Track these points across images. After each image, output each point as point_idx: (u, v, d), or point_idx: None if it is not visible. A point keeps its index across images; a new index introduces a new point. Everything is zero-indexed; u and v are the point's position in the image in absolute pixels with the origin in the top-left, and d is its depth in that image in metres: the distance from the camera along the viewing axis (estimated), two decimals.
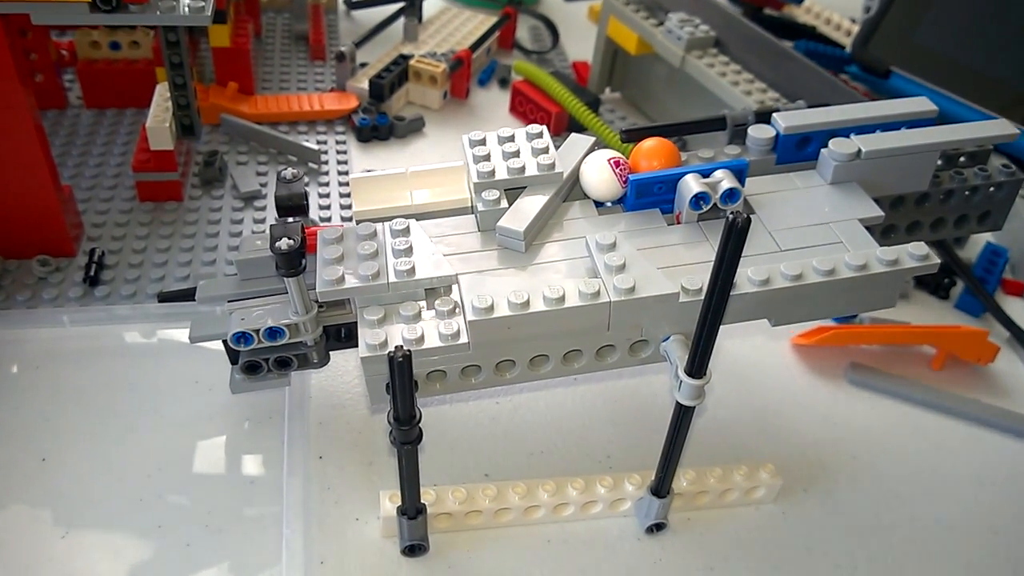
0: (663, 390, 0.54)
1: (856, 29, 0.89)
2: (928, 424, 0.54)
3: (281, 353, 0.45)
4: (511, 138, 0.46)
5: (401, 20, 0.84)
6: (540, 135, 0.46)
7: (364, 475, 0.47)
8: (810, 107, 0.51)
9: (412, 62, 0.76)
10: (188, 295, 0.51)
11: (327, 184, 0.67)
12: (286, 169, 0.45)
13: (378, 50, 0.82)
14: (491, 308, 0.37)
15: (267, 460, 0.47)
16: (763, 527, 0.47)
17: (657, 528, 0.46)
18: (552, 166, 0.44)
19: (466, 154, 0.45)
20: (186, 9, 0.49)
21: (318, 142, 0.72)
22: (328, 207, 0.65)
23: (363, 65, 0.78)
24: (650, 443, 0.50)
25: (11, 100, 0.50)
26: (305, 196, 0.45)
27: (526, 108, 0.77)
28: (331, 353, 0.47)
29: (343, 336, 0.46)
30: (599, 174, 0.44)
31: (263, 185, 0.66)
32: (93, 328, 0.53)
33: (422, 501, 0.42)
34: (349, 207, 0.64)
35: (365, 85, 0.74)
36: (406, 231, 0.42)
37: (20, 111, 0.51)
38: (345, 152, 0.71)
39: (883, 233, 0.49)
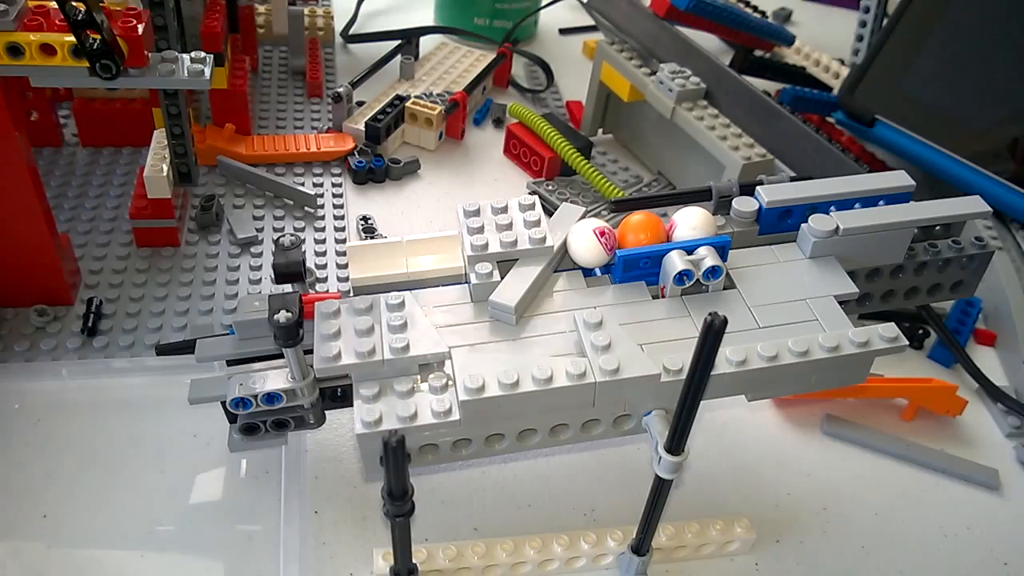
0: (646, 446, 0.55)
1: (844, 71, 0.91)
2: (896, 475, 0.56)
3: (279, 415, 0.47)
4: (504, 209, 0.48)
5: (398, 58, 0.85)
6: (532, 207, 0.48)
7: (358, 530, 0.49)
8: (793, 178, 0.53)
9: (408, 104, 0.77)
10: (186, 348, 0.53)
11: (323, 229, 0.69)
12: (284, 236, 0.47)
13: (375, 87, 0.83)
14: (482, 388, 0.39)
15: (264, 514, 0.49)
16: None
17: None
18: (543, 240, 0.46)
19: (460, 224, 0.47)
20: (185, 72, 0.51)
21: (314, 184, 0.73)
22: (324, 253, 0.66)
23: (360, 103, 0.80)
24: (633, 496, 0.52)
25: (8, 156, 0.51)
26: (303, 263, 0.46)
27: (520, 151, 0.78)
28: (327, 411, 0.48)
29: (339, 396, 0.48)
30: (585, 243, 0.46)
31: (259, 230, 0.67)
32: (92, 381, 0.54)
33: (414, 561, 0.44)
34: (345, 254, 0.66)
35: (361, 126, 0.76)
36: (401, 305, 0.44)
37: (17, 167, 0.52)
38: (341, 195, 0.72)
39: (859, 302, 0.51)
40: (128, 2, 0.57)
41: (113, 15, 0.49)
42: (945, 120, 0.77)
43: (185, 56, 0.52)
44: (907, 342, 0.42)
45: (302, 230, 0.68)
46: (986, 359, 0.66)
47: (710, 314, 0.33)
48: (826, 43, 1.02)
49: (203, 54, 0.52)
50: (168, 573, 0.45)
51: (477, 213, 0.48)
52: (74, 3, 0.45)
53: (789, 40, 0.94)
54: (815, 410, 0.60)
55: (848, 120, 0.81)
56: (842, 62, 0.93)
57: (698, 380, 0.35)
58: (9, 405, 0.52)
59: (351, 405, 0.42)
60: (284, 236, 0.47)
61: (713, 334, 0.34)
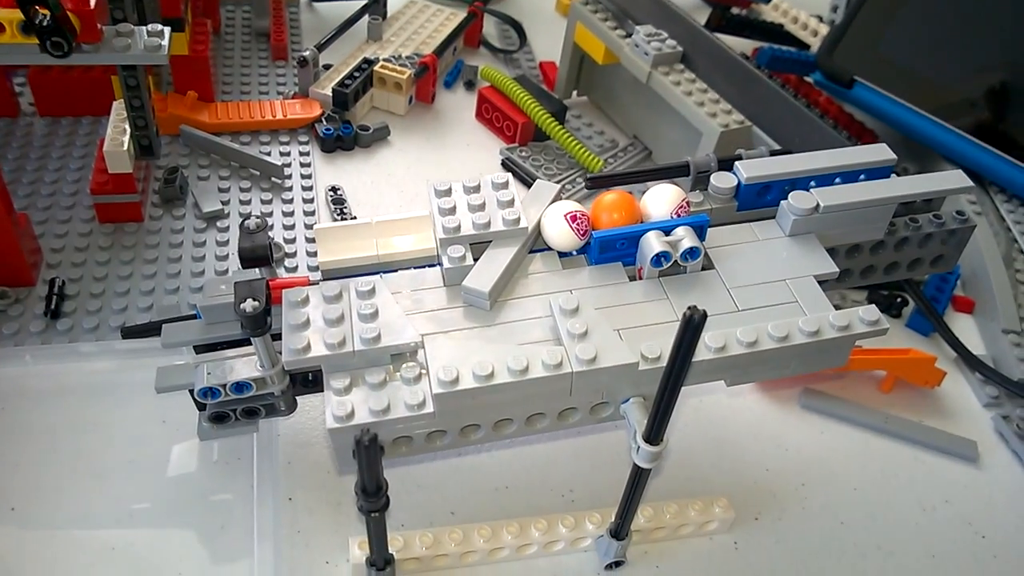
0: (624, 428, 0.55)
1: (823, 29, 0.89)
2: (874, 448, 0.57)
3: (248, 404, 0.45)
4: (476, 188, 0.46)
5: (365, 18, 0.82)
6: (505, 185, 0.46)
7: (333, 516, 0.48)
8: (772, 152, 0.52)
9: (377, 68, 0.75)
10: (152, 330, 0.51)
11: (291, 201, 0.67)
12: (249, 218, 0.45)
13: (343, 49, 0.80)
14: (456, 380, 0.38)
15: (237, 502, 0.48)
16: (716, 557, 0.49)
17: (616, 565, 0.48)
18: (517, 220, 0.44)
19: (432, 205, 0.46)
20: (142, 46, 0.48)
21: (281, 153, 0.71)
22: (292, 226, 0.65)
23: (327, 67, 0.77)
24: (611, 476, 0.52)
25: None
26: (270, 247, 0.44)
27: (492, 116, 0.76)
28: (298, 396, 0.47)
29: (310, 382, 0.47)
30: (557, 229, 0.45)
31: (225, 203, 0.65)
32: (56, 365, 0.52)
33: (390, 549, 0.43)
34: (312, 227, 0.64)
35: (328, 91, 0.73)
36: (371, 292, 0.42)
37: None
38: (309, 164, 0.70)
39: (839, 278, 0.50)
40: None
41: None
42: (924, 82, 0.76)
43: (142, 29, 0.50)
44: (887, 326, 0.42)
45: (269, 202, 0.66)
46: (965, 327, 0.66)
47: (689, 308, 0.32)
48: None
49: (160, 27, 0.50)
50: (140, 563, 0.45)
51: (448, 193, 0.46)
52: None
53: None
54: (792, 382, 0.59)
55: (826, 81, 0.80)
56: (820, 19, 0.92)
57: (677, 371, 0.35)
58: None
59: (323, 390, 0.41)
60: (250, 219, 0.45)
61: (692, 329, 0.33)
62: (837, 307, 0.43)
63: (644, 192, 0.46)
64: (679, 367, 0.34)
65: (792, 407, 0.58)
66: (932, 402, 0.60)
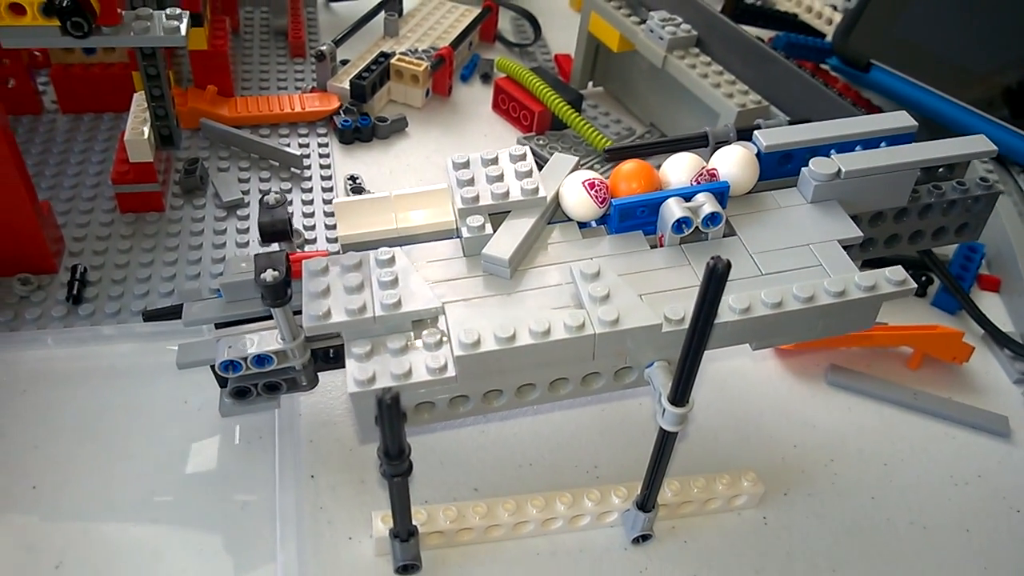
0: (648, 400, 0.55)
1: (837, 18, 0.89)
2: (903, 424, 0.56)
3: (270, 378, 0.45)
4: (495, 160, 0.46)
5: (381, 15, 0.83)
6: (523, 157, 0.46)
7: (356, 493, 0.48)
8: (791, 122, 0.51)
9: (393, 61, 0.75)
10: (174, 313, 0.51)
11: (310, 190, 0.67)
12: (269, 193, 0.45)
13: (359, 45, 0.81)
14: (478, 343, 0.38)
15: (259, 480, 0.48)
16: (745, 533, 0.49)
17: (643, 539, 0.47)
18: (536, 190, 0.44)
19: (450, 178, 0.46)
20: (161, 30, 0.49)
21: (300, 145, 0.71)
22: (312, 214, 0.65)
23: (344, 62, 0.77)
24: (637, 452, 0.51)
25: None
26: (289, 221, 0.45)
27: (509, 106, 0.76)
28: (320, 373, 0.47)
29: (331, 357, 0.47)
30: (576, 197, 0.44)
31: (245, 193, 0.65)
32: (79, 349, 0.53)
33: (414, 523, 0.43)
34: (333, 215, 0.64)
35: (346, 85, 0.73)
36: (391, 260, 0.42)
37: None
38: (328, 155, 0.70)
39: (862, 246, 0.49)
40: None
41: None
42: (942, 63, 0.76)
43: (160, 13, 0.50)
44: (915, 284, 0.41)
45: (289, 191, 0.67)
46: (991, 305, 0.65)
47: (712, 258, 0.32)
48: None
49: (178, 10, 0.50)
50: (162, 542, 0.44)
51: (467, 165, 0.46)
52: None
53: None
54: (818, 360, 0.59)
55: (843, 66, 0.79)
56: (835, 8, 0.91)
57: (701, 328, 0.34)
58: None
59: (344, 366, 0.41)
60: (269, 194, 0.45)
61: (716, 279, 0.32)
62: None
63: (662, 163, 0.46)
64: (704, 320, 0.34)
65: (819, 384, 0.57)
66: (960, 379, 0.59)
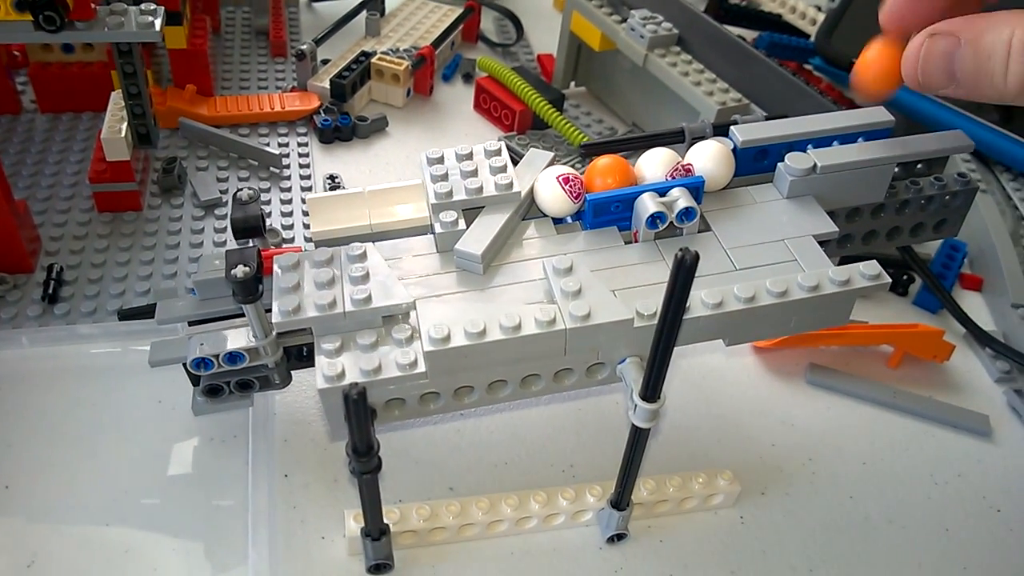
0: (623, 399, 0.54)
1: (821, 18, 0.89)
2: (883, 423, 0.55)
3: (242, 376, 0.45)
4: (469, 155, 0.46)
5: (363, 15, 0.83)
6: (498, 152, 0.46)
7: (329, 492, 0.47)
8: (768, 118, 0.51)
9: (374, 60, 0.75)
10: (149, 312, 0.51)
11: (289, 189, 0.67)
12: (242, 190, 0.44)
13: (340, 45, 0.80)
14: (448, 338, 0.37)
15: (233, 479, 0.47)
16: (721, 532, 0.48)
17: (618, 538, 0.47)
18: (510, 185, 0.44)
19: (424, 173, 0.45)
20: (135, 25, 0.48)
21: (279, 144, 0.71)
22: (291, 213, 0.64)
23: (325, 62, 0.77)
24: (612, 451, 0.51)
25: None
26: (262, 218, 0.44)
27: (490, 105, 0.76)
28: (293, 372, 0.47)
29: (304, 356, 0.46)
30: (550, 192, 0.44)
31: (223, 192, 0.65)
32: (53, 348, 0.52)
33: (386, 521, 0.43)
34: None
35: (327, 84, 0.73)
36: (363, 256, 0.42)
37: None
38: (307, 155, 0.70)
39: (839, 243, 0.49)
40: None
41: None
42: None
43: (135, 8, 0.50)
44: (890, 279, 0.41)
45: (268, 190, 0.66)
46: (973, 304, 0.65)
47: (681, 250, 0.31)
48: None
49: (153, 5, 0.50)
50: (136, 541, 0.44)
51: (441, 160, 0.46)
52: None
53: None
54: (797, 358, 0.58)
55: (826, 66, 0.79)
56: (819, 8, 0.91)
57: (671, 321, 0.34)
58: None
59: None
60: (242, 191, 0.44)
61: (685, 271, 0.32)
62: None
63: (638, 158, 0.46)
64: (674, 313, 0.34)
65: (798, 383, 0.57)
66: (941, 377, 0.59)
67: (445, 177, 0.44)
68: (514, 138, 0.73)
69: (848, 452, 0.53)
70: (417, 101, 0.79)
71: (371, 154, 0.72)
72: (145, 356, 0.46)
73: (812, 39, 0.85)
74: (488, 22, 0.93)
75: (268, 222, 0.63)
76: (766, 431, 0.54)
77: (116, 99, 0.62)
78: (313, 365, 0.46)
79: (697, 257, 0.32)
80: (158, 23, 0.49)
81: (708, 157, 0.45)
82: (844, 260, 0.53)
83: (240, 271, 0.39)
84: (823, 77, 0.83)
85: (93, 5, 0.48)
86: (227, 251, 0.40)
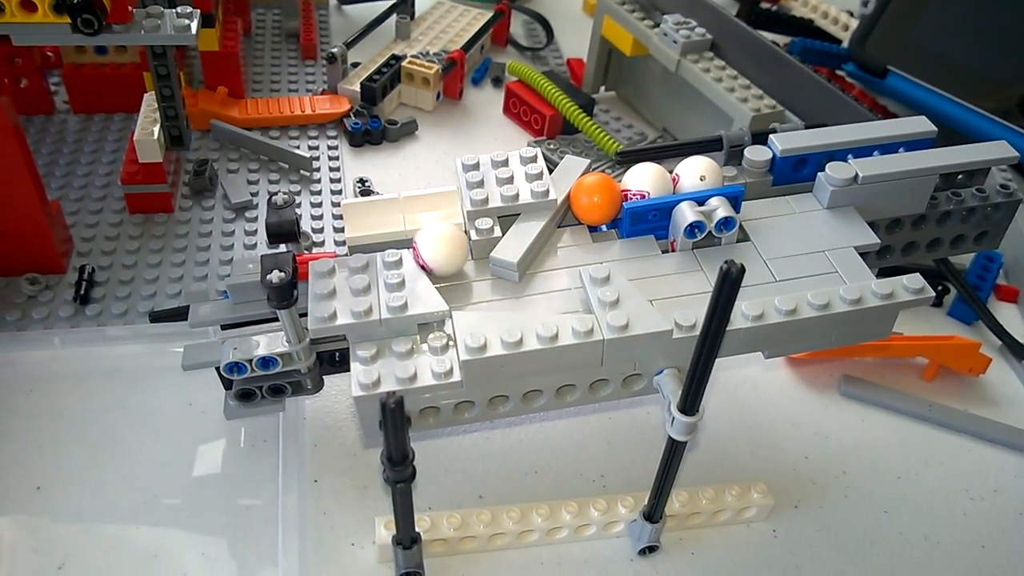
0: (657, 409, 0.54)
1: (853, 23, 0.88)
2: (918, 437, 0.55)
3: (275, 381, 0.45)
4: (504, 162, 0.46)
5: (393, 18, 0.83)
6: (534, 159, 0.46)
7: (359, 499, 0.47)
8: (807, 126, 0.50)
9: (404, 64, 0.75)
10: (180, 314, 0.51)
11: (319, 192, 0.67)
12: (276, 194, 0.45)
13: (370, 48, 0.80)
14: (484, 347, 0.37)
15: (263, 484, 0.47)
16: (754, 546, 0.48)
17: (649, 550, 0.46)
18: (546, 193, 0.44)
19: (459, 179, 0.45)
20: (171, 28, 0.48)
21: (310, 147, 0.71)
22: (320, 216, 0.64)
23: (355, 65, 0.77)
24: (644, 462, 0.50)
25: None
26: (297, 222, 0.44)
27: (520, 110, 0.76)
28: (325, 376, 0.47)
29: (337, 361, 0.46)
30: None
31: (254, 195, 0.65)
32: (84, 349, 0.52)
33: (417, 529, 0.42)
34: (342, 217, 0.64)
35: (357, 87, 0.73)
36: (398, 263, 0.42)
37: (3, 132, 0.50)
38: (337, 158, 0.70)
39: (879, 254, 0.48)
40: None
41: None
42: (961, 70, 0.75)
43: (171, 11, 0.50)
44: (933, 293, 0.40)
45: (298, 193, 0.66)
46: (1009, 316, 0.64)
47: (726, 262, 0.31)
48: None
49: (189, 8, 0.50)
50: (165, 544, 0.44)
51: (476, 167, 0.46)
52: None
53: None
54: (831, 369, 0.58)
55: (860, 72, 0.78)
56: (851, 14, 0.90)
57: (713, 334, 0.33)
58: (1, 374, 0.51)
59: (349, 370, 0.40)
60: (277, 195, 0.44)
61: (730, 283, 0.31)
62: None
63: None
64: (716, 326, 0.33)
65: (831, 394, 0.56)
66: (977, 391, 0.58)
67: (481, 184, 0.44)
68: (544, 143, 0.73)
69: (882, 466, 0.52)
70: (446, 105, 0.79)
71: (400, 158, 0.72)
72: (176, 358, 0.46)
73: (845, 44, 0.85)
74: (517, 26, 0.93)
75: (299, 218, 0.64)
76: (800, 443, 0.53)
77: (149, 101, 0.62)
78: (346, 370, 0.46)
79: (743, 270, 0.31)
80: (194, 26, 0.49)
81: (699, 172, 0.44)
82: (882, 272, 0.53)
83: (276, 276, 0.39)
84: (856, 83, 0.82)
85: (130, 7, 0.48)
86: (262, 256, 0.40)
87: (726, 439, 0.53)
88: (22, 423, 0.49)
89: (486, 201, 0.43)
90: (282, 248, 0.45)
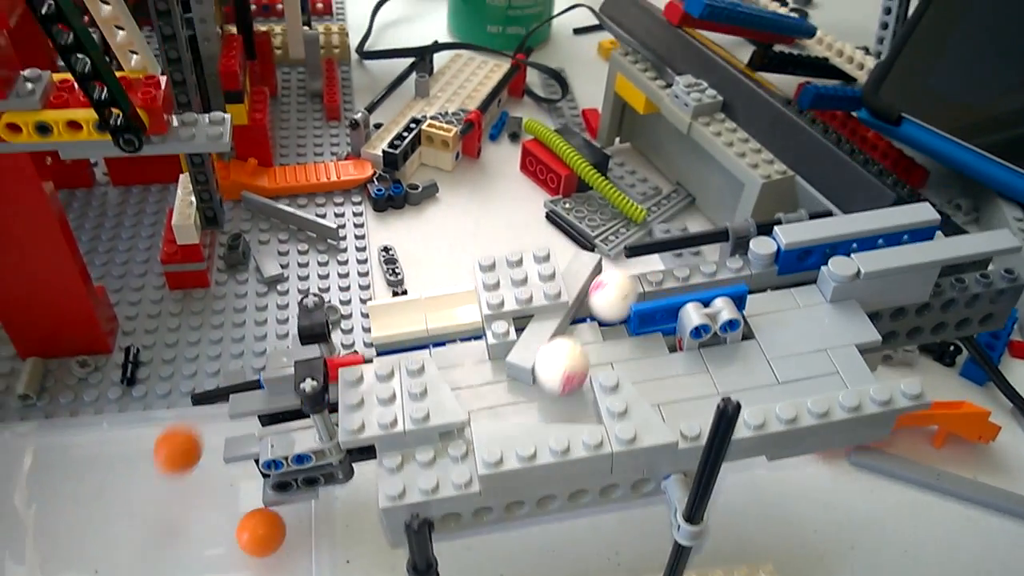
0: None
1: (870, 62, 0.88)
2: (928, 507, 0.56)
3: (309, 473, 0.48)
4: (519, 262, 0.48)
5: (412, 76, 0.85)
6: (546, 258, 0.48)
7: None
8: (812, 216, 0.52)
9: (424, 127, 0.77)
10: (220, 395, 0.54)
11: (346, 262, 0.70)
12: (307, 296, 0.48)
13: (392, 106, 0.83)
14: (500, 462, 0.40)
15: (297, 564, 0.50)
16: None
17: None
18: (558, 295, 0.46)
19: (476, 281, 0.48)
20: (205, 137, 0.51)
21: (336, 214, 0.74)
22: (348, 288, 0.67)
23: (377, 126, 0.80)
24: (658, 539, 0.52)
25: (39, 219, 0.53)
26: (327, 324, 0.47)
27: (536, 168, 0.78)
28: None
29: (366, 449, 0.49)
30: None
31: (284, 266, 0.68)
32: (132, 431, 0.56)
33: None
34: (366, 287, 0.67)
35: (379, 152, 0.76)
36: (420, 371, 0.44)
37: (45, 218, 0.53)
38: (362, 224, 0.73)
39: (885, 339, 0.50)
40: (147, 65, 0.58)
41: (133, 85, 0.50)
42: (975, 116, 0.75)
43: (204, 118, 0.53)
44: (930, 401, 0.42)
45: (326, 264, 0.69)
46: (1022, 375, 0.65)
47: (723, 400, 0.33)
48: (851, 26, 0.98)
49: (221, 115, 0.53)
50: None
51: (492, 268, 0.48)
52: (96, 83, 0.46)
53: (810, 32, 0.91)
54: None
55: (873, 119, 0.79)
56: (867, 51, 0.90)
57: (712, 461, 0.36)
58: (54, 460, 0.55)
59: (376, 456, 0.43)
60: (308, 297, 0.47)
61: (726, 420, 0.34)
62: (886, 358, 0.42)
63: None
64: (715, 455, 0.35)
65: (840, 463, 0.58)
66: (988, 457, 0.59)
67: (496, 286, 0.47)
68: (560, 202, 0.75)
69: (892, 538, 0.54)
70: (465, 163, 0.81)
71: (422, 220, 0.75)
72: (217, 440, 0.49)
73: (860, 85, 0.85)
74: (534, 76, 0.95)
75: (327, 297, 0.67)
76: (808, 515, 0.55)
77: (184, 183, 0.65)
78: (373, 457, 0.49)
79: (738, 408, 0.33)
80: (227, 135, 0.52)
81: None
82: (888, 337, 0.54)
83: (308, 386, 0.42)
84: (870, 131, 0.82)
85: (166, 116, 0.51)
86: (296, 363, 0.43)
87: (734, 512, 0.55)
88: (78, 506, 0.52)
89: (501, 304, 0.46)
90: (314, 349, 0.48)
